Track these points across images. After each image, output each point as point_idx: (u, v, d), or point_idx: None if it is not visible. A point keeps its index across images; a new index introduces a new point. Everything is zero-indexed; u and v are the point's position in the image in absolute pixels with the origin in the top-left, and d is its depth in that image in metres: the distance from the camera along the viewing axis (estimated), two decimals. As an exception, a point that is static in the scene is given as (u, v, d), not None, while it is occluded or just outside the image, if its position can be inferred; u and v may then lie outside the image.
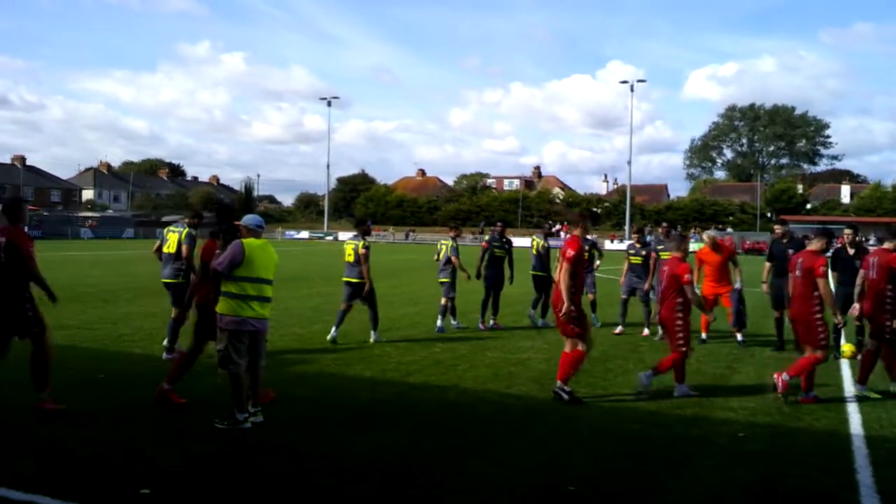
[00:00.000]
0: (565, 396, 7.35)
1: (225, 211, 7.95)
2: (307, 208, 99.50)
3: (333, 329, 10.61)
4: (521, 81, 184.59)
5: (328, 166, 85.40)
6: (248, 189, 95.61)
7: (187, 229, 9.25)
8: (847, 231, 10.75)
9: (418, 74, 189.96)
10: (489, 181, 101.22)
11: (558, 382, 7.47)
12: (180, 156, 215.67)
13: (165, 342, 9.20)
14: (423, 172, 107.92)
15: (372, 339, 10.66)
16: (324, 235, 77.43)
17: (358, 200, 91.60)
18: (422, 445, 5.86)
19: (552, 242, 13.71)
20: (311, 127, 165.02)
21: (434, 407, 7.09)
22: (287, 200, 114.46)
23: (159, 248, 9.46)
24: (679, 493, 4.95)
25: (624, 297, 12.12)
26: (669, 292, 7.95)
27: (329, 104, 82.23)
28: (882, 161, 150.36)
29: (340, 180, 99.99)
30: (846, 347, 10.10)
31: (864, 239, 12.91)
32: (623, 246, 31.82)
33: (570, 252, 7.28)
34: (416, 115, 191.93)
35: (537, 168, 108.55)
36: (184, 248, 9.06)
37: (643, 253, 11.97)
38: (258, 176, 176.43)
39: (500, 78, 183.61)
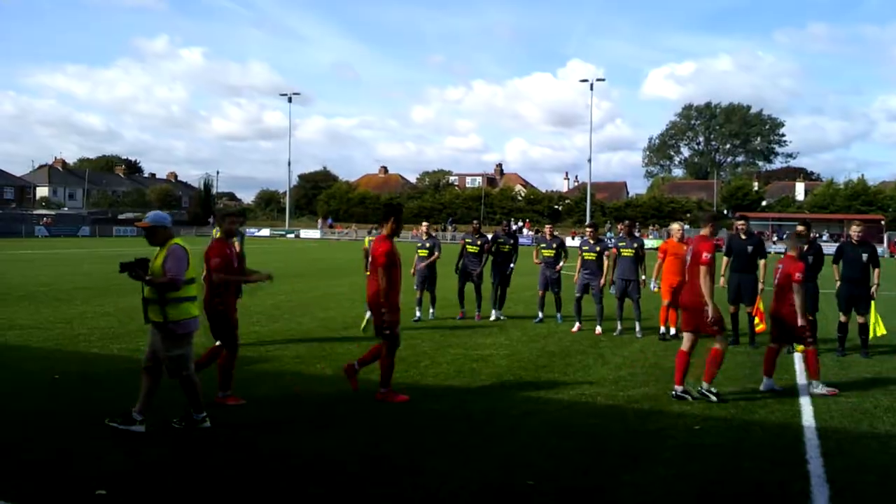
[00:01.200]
0: (713, 398, 7.41)
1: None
2: (268, 206, 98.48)
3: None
4: (484, 79, 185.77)
5: (289, 163, 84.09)
6: (207, 186, 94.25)
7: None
8: (800, 227, 10.97)
9: (381, 71, 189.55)
10: (452, 178, 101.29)
11: (704, 384, 7.53)
12: (137, 152, 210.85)
13: None
14: (385, 169, 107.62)
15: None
16: (285, 233, 76.76)
17: (319, 198, 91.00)
18: (381, 444, 5.85)
19: (522, 240, 13.94)
20: (272, 123, 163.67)
21: (395, 405, 7.08)
22: (247, 198, 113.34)
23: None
24: (635, 486, 5.02)
25: (578, 294, 12.20)
26: (786, 292, 8.01)
27: (290, 100, 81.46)
28: (835, 159, 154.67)
29: (302, 177, 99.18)
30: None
31: (817, 235, 13.15)
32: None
33: (707, 255, 7.40)
34: (378, 112, 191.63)
35: (499, 165, 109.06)
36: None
37: (597, 249, 12.09)
38: (217, 173, 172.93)
39: (463, 76, 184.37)
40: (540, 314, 13.03)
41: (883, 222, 67.71)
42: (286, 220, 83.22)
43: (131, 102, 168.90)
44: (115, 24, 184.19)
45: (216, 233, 7.41)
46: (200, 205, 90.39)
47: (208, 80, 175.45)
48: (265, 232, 77.74)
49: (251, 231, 77.75)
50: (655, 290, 11.77)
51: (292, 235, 75.62)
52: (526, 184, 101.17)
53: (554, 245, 13.02)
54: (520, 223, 71.45)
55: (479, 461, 5.46)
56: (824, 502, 4.81)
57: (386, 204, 8.16)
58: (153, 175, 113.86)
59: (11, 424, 6.06)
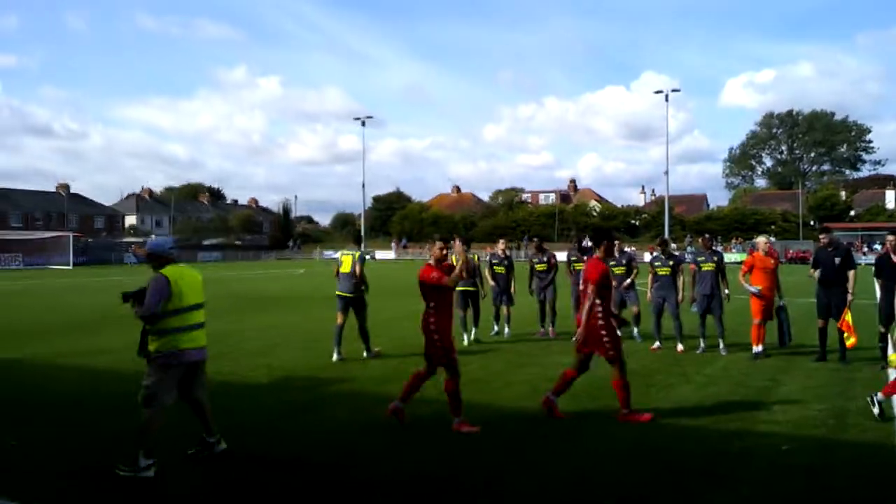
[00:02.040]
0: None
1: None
2: (344, 228, 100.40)
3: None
4: (555, 95, 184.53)
5: (363, 186, 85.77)
6: (286, 210, 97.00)
7: (359, 251, 11.13)
8: (890, 237, 10.47)
9: (451, 91, 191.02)
10: (524, 196, 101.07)
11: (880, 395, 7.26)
12: (219, 180, 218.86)
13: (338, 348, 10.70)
14: (457, 189, 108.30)
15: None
16: (361, 254, 77.98)
17: (393, 219, 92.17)
18: (459, 462, 5.85)
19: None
20: (346, 147, 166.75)
21: (473, 423, 7.06)
22: (324, 220, 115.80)
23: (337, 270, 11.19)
24: (720, 508, 4.86)
25: (655, 313, 11.93)
26: None
27: (363, 124, 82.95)
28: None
29: (376, 199, 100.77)
30: (893, 357, 9.84)
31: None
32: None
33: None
34: (449, 132, 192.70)
35: (573, 181, 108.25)
36: (357, 267, 10.82)
37: (670, 264, 11.79)
38: (295, 197, 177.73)
39: (534, 92, 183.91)
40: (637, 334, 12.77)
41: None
42: (362, 242, 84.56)
43: (213, 132, 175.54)
44: (195, 56, 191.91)
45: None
46: (280, 229, 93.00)
47: (285, 107, 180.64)
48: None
49: (328, 253, 79.32)
50: (754, 292, 11.14)
51: (368, 257, 76.78)
52: (600, 199, 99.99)
53: (623, 261, 12.77)
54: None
55: (557, 481, 5.39)
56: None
57: (596, 229, 8.16)
58: (235, 201, 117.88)
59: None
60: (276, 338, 13.25)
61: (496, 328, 13.54)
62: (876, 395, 7.31)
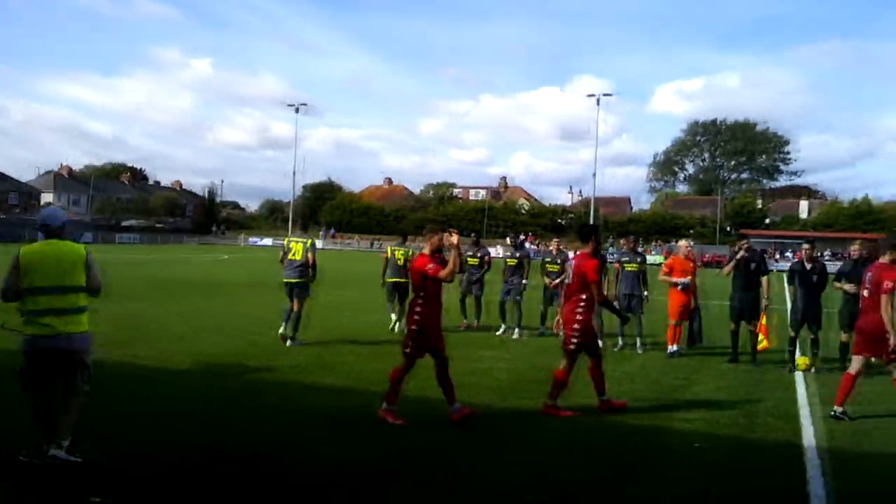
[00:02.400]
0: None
1: None
2: (272, 215, 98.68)
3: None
4: (492, 93, 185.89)
5: (294, 173, 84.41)
6: (212, 194, 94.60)
7: (310, 240, 11.25)
8: (805, 246, 11.00)
9: (391, 84, 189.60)
10: (456, 191, 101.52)
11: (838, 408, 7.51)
12: (144, 160, 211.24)
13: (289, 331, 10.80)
14: (389, 181, 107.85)
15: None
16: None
17: (324, 208, 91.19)
18: (388, 454, 5.84)
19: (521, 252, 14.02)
20: (280, 133, 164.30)
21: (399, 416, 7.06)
22: (252, 206, 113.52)
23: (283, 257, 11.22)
24: (636, 501, 4.99)
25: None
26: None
27: (297, 111, 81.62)
28: (843, 177, 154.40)
29: (307, 188, 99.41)
30: (801, 360, 10.34)
31: (819, 254, 13.24)
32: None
33: (889, 283, 7.09)
34: (385, 124, 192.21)
35: (504, 179, 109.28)
36: (310, 255, 10.98)
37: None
38: (222, 181, 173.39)
39: (472, 89, 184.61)
40: (542, 327, 13.00)
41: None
42: (289, 229, 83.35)
43: (140, 111, 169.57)
44: (128, 33, 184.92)
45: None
46: (205, 213, 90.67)
47: (218, 89, 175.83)
48: (268, 241, 77.81)
49: (254, 240, 77.97)
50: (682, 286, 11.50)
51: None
52: (530, 197, 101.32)
53: (559, 260, 13.00)
54: (521, 236, 71.41)
55: (476, 475, 5.44)
56: (825, 522, 4.78)
57: (583, 225, 8.30)
58: (158, 183, 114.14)
59: None
60: (198, 323, 12.92)
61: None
62: (833, 410, 7.62)
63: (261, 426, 6.55)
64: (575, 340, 7.44)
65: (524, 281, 13.17)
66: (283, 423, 6.70)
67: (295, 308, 11.00)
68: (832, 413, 7.56)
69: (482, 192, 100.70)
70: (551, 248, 13.76)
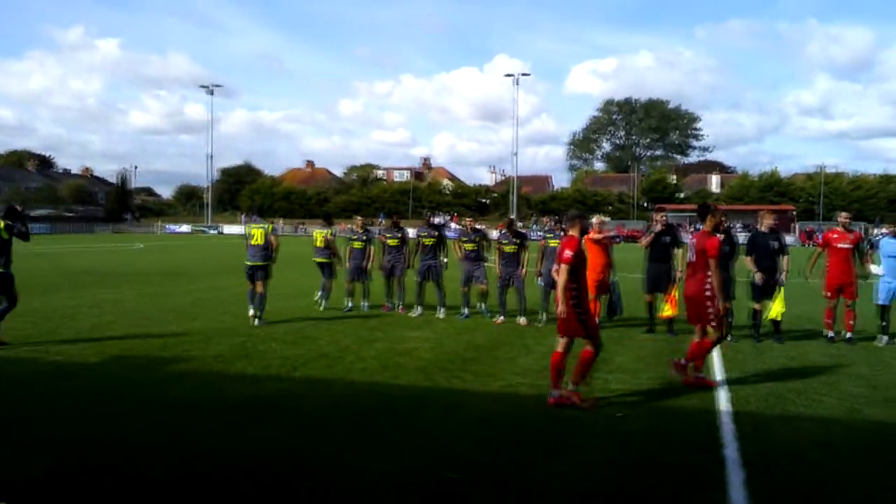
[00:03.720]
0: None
1: None
2: (189, 201, 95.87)
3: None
4: (412, 73, 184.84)
5: (210, 157, 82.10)
6: (124, 181, 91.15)
7: (271, 224, 12.19)
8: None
9: (307, 64, 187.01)
10: (379, 173, 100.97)
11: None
12: (51, 147, 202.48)
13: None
14: (311, 164, 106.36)
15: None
16: (207, 229, 74.89)
17: (243, 193, 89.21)
18: (305, 441, 5.74)
19: (449, 234, 14.07)
20: (193, 116, 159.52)
21: (319, 401, 6.96)
22: (166, 193, 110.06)
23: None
24: (557, 473, 5.05)
25: (500, 287, 12.33)
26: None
27: (211, 92, 79.57)
28: (750, 152, 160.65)
29: (224, 172, 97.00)
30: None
31: (730, 226, 13.66)
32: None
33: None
34: (304, 106, 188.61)
35: (427, 160, 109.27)
36: (272, 238, 11.80)
37: (516, 242, 12.19)
38: (135, 167, 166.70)
39: (391, 69, 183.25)
40: (465, 310, 12.85)
41: (794, 213, 70.97)
42: (207, 215, 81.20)
43: (45, 95, 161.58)
44: (26, 13, 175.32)
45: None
46: (117, 200, 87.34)
47: (126, 71, 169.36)
48: (185, 228, 75.69)
49: (171, 227, 75.67)
50: None
51: (214, 231, 73.85)
52: (453, 178, 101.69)
53: (476, 238, 12.98)
54: (446, 217, 71.67)
55: (403, 455, 5.41)
56: (739, 485, 4.93)
57: (701, 205, 8.26)
58: (67, 170, 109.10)
59: None
60: (113, 316, 12.41)
61: (350, 303, 13.48)
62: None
63: (171, 420, 6.33)
64: (712, 313, 7.66)
65: (444, 259, 13.16)
66: (193, 413, 6.50)
67: (258, 290, 11.64)
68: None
69: (406, 174, 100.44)
70: (465, 226, 13.73)
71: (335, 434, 5.95)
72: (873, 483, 5.09)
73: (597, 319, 11.40)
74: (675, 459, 5.44)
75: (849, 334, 10.65)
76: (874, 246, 13.08)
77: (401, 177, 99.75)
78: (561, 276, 6.86)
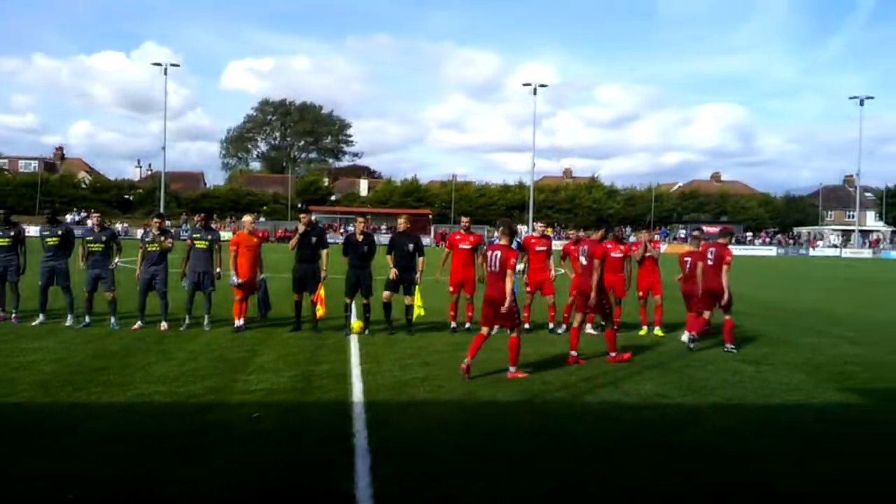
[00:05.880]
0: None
1: None
2: None
3: None
4: (45, 52, 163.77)
5: None
6: None
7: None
8: (360, 219, 12.02)
9: None
10: (1, 161, 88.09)
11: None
12: None
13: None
14: None
15: None
16: None
17: None
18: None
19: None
20: None
21: None
22: None
23: None
24: (189, 482, 4.94)
25: (142, 291, 11.49)
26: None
27: None
28: (395, 159, 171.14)
29: None
30: (355, 324, 11.33)
31: (375, 228, 14.45)
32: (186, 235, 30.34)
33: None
34: None
35: (60, 149, 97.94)
36: None
37: (161, 239, 11.47)
38: None
39: (21, 45, 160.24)
40: (87, 318, 11.59)
41: (430, 216, 78.04)
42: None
43: None
44: None
45: None
46: None
47: None
48: None
49: None
50: (234, 284, 11.51)
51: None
52: (92, 170, 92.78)
53: (103, 237, 11.62)
54: (82, 213, 65.13)
55: (13, 482, 4.83)
56: (365, 472, 5.23)
57: (598, 218, 10.63)
58: None
59: None
60: None
61: None
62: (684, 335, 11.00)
63: None
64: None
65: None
66: None
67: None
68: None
69: (34, 164, 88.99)
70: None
71: None
72: (480, 449, 5.79)
73: (242, 320, 11.40)
74: (309, 454, 5.62)
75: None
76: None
77: (27, 167, 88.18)
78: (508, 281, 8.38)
